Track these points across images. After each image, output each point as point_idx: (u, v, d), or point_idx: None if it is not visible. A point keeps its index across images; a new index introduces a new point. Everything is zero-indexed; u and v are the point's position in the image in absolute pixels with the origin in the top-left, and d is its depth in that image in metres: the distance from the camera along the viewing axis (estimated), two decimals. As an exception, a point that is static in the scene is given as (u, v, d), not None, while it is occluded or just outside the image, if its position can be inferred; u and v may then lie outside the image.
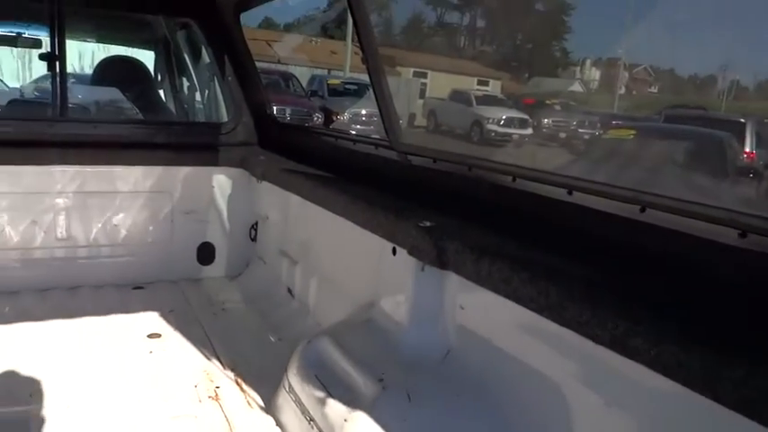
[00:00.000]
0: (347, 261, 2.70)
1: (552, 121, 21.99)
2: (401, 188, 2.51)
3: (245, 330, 3.18)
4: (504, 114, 22.42)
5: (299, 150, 3.54)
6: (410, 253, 1.98)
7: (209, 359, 2.82)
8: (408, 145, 2.56)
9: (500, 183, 2.09)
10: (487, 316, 1.82)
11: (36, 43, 5.63)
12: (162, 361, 2.81)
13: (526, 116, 22.49)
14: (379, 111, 2.59)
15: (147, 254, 3.79)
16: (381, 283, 2.30)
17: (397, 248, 2.13)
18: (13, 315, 3.17)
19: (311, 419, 2.01)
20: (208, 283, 3.83)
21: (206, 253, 3.93)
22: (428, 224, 1.97)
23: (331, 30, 56.26)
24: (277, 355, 2.89)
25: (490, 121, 22.07)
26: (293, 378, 2.20)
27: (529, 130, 21.99)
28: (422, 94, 34.68)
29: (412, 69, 40.56)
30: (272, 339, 3.06)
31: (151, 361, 2.80)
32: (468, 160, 2.29)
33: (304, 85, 23.31)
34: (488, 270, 1.65)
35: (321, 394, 1.99)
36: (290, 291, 3.32)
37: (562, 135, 20.72)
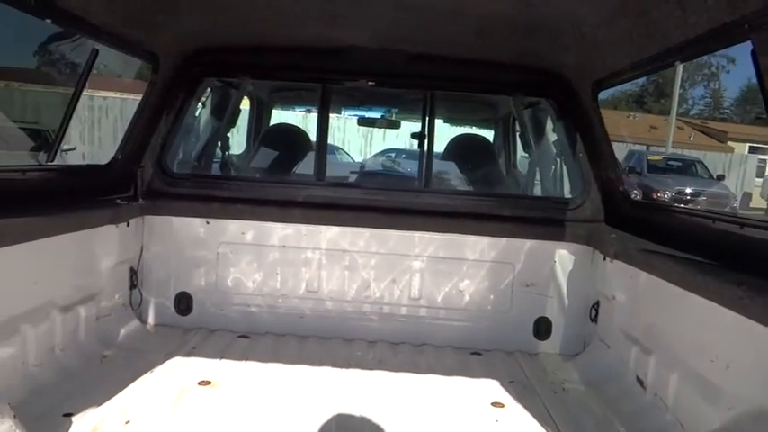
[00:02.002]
0: (727, 358, 2.37)
1: None
2: None
3: (588, 415, 3.00)
4: None
5: (656, 230, 3.31)
6: None
7: None
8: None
9: None
10: None
11: (393, 124, 6.48)
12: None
13: None
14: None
15: (485, 321, 3.91)
16: None
17: None
18: (374, 363, 3.53)
19: None
20: (544, 359, 3.76)
21: (543, 327, 3.89)
22: None
23: (649, 104, 53.60)
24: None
25: None
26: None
27: None
28: (760, 173, 30.47)
29: (747, 145, 36.11)
30: (621, 431, 2.83)
31: (497, 430, 2.82)
32: None
33: (620, 160, 22.39)
34: None
35: None
36: (639, 381, 3.05)
37: None
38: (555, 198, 4.23)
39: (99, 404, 2.74)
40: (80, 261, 3.33)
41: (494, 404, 3.06)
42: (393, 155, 15.67)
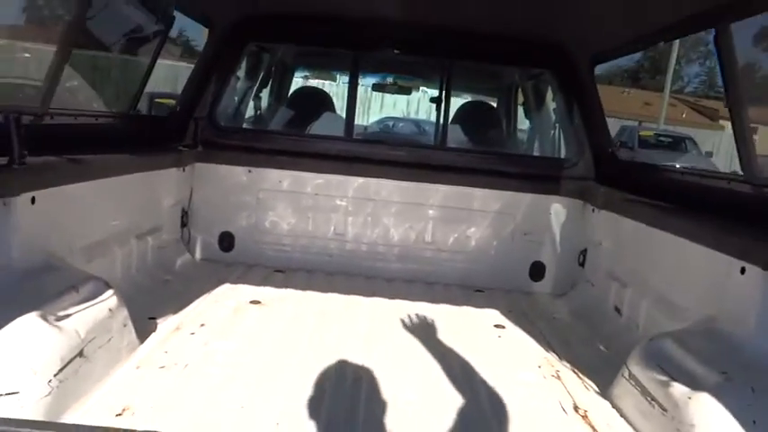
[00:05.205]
0: (683, 280, 3.00)
1: None
2: (754, 217, 2.73)
3: (576, 336, 3.63)
4: None
5: (639, 185, 3.91)
6: (765, 268, 2.25)
7: (547, 351, 3.34)
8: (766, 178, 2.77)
9: None
10: None
11: (405, 90, 7.02)
12: (508, 345, 3.43)
13: None
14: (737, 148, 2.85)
15: (488, 264, 4.53)
16: (724, 299, 2.57)
17: (747, 267, 2.39)
18: (392, 295, 4.13)
19: (652, 399, 2.38)
20: (537, 297, 4.40)
21: (537, 270, 4.52)
22: None
23: (644, 80, 53.95)
24: (607, 358, 3.29)
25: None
26: (634, 367, 2.59)
27: None
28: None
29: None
30: (601, 348, 3.47)
31: (499, 343, 3.45)
32: None
33: (613, 135, 22.85)
34: None
35: (664, 378, 2.36)
36: (617, 309, 3.68)
37: None
38: (553, 158, 4.83)
39: (175, 313, 3.34)
40: (150, 197, 3.91)
41: (496, 326, 3.69)
42: (391, 123, 16.01)
